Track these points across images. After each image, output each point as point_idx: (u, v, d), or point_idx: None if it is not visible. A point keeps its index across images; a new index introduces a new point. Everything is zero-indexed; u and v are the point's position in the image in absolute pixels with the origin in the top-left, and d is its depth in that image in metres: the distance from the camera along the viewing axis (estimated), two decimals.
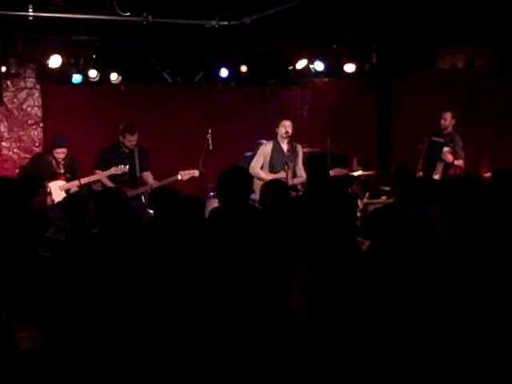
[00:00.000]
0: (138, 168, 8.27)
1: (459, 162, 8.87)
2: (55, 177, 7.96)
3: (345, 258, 4.81)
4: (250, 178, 4.76)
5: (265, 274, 3.74)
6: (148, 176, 8.33)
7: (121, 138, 8.22)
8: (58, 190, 7.84)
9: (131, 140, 8.18)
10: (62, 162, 8.09)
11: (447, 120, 8.85)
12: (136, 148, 8.30)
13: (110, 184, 8.03)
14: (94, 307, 3.73)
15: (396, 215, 5.25)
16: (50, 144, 8.66)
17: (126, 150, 8.23)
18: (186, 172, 8.18)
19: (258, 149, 9.43)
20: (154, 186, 7.99)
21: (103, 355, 3.62)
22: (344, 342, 2.68)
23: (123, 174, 8.15)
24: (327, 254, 2.93)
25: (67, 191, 7.87)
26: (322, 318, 2.58)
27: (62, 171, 8.07)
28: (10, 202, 4.88)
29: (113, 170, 8.06)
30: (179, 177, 8.15)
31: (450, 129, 8.89)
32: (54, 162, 8.08)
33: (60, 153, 8.06)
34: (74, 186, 7.94)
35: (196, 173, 8.23)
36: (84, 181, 7.99)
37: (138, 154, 8.30)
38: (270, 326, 3.46)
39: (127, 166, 8.14)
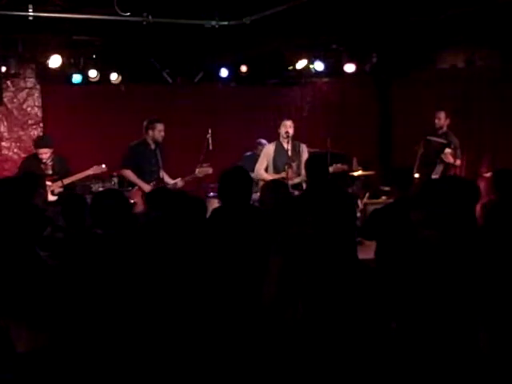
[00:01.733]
0: (161, 166, 8.27)
1: (458, 162, 8.90)
2: (45, 177, 7.91)
3: (340, 259, 4.83)
4: (250, 178, 4.77)
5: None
6: (165, 174, 8.33)
7: (150, 132, 8.09)
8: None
9: (161, 129, 8.11)
10: (50, 163, 7.99)
11: (441, 119, 8.88)
12: (157, 145, 8.28)
13: (137, 182, 8.00)
14: (92, 307, 3.73)
15: (396, 215, 5.25)
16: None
17: (153, 147, 8.20)
18: (202, 169, 8.18)
19: (257, 148, 9.50)
20: (178, 183, 8.07)
21: (102, 356, 3.62)
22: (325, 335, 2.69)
23: (152, 174, 8.14)
24: (319, 251, 2.93)
25: (52, 192, 7.87)
26: (288, 311, 2.60)
27: (50, 172, 7.96)
28: (11, 201, 4.89)
29: (91, 171, 8.09)
30: (197, 173, 8.16)
31: (445, 128, 8.91)
32: (41, 164, 7.96)
33: (42, 153, 7.94)
34: (56, 186, 7.87)
35: (210, 170, 8.22)
36: (67, 181, 7.92)
37: (160, 152, 8.30)
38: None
39: (104, 165, 8.16)
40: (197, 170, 8.18)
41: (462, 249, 2.95)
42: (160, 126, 8.11)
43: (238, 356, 3.37)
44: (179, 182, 8.14)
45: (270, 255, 2.97)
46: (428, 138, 8.95)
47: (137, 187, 8.00)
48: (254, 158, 9.28)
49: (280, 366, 2.58)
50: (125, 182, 8.68)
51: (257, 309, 3.37)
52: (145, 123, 8.17)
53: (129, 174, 8.07)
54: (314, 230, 4.04)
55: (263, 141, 9.43)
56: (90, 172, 8.11)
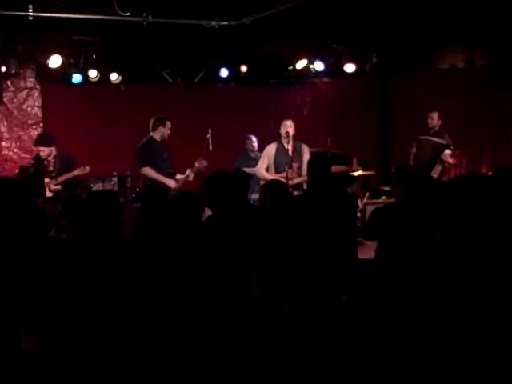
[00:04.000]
0: (171, 161, 8.29)
1: (455, 162, 8.96)
2: (44, 175, 8.05)
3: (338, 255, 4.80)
4: (232, 179, 4.62)
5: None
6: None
7: (161, 129, 8.11)
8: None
9: (170, 127, 8.18)
10: (53, 160, 8.15)
11: (434, 119, 8.93)
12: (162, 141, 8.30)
13: (160, 178, 8.01)
14: (93, 307, 3.73)
15: (397, 215, 5.25)
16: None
17: (159, 143, 8.22)
18: (200, 162, 8.13)
19: (245, 143, 9.58)
20: (190, 176, 8.08)
21: (103, 356, 3.62)
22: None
23: (166, 168, 8.15)
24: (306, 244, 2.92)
25: (49, 189, 7.99)
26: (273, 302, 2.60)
27: (51, 169, 8.13)
28: (14, 202, 4.89)
29: (76, 172, 8.09)
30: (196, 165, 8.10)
31: (437, 128, 8.96)
32: (43, 161, 8.19)
33: (40, 151, 8.15)
34: (52, 184, 8.01)
35: (205, 163, 8.16)
36: (61, 179, 8.03)
37: (165, 147, 8.33)
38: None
39: (88, 167, 8.16)
40: (196, 163, 8.15)
41: (484, 253, 2.92)
42: (169, 124, 8.22)
43: (233, 356, 3.37)
44: (190, 173, 8.11)
45: (256, 254, 2.95)
46: (421, 137, 8.98)
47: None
48: (247, 155, 9.36)
49: (272, 364, 2.58)
50: (146, 180, 8.62)
51: (249, 309, 3.36)
52: (153, 120, 8.17)
53: (149, 171, 8.06)
54: (307, 228, 4.02)
55: (252, 136, 9.58)
56: (75, 173, 8.12)
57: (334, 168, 8.03)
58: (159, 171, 8.03)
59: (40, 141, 8.31)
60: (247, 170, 8.44)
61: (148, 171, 8.07)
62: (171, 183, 7.93)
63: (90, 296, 3.77)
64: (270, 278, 2.60)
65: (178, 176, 8.26)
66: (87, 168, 8.21)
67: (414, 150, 8.97)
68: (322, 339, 2.60)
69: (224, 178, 4.55)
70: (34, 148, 8.53)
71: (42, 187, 6.45)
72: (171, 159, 8.29)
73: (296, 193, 7.31)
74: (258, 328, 2.67)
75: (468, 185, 3.13)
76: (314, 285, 2.60)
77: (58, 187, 7.99)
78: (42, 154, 8.12)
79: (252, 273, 2.72)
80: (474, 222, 2.98)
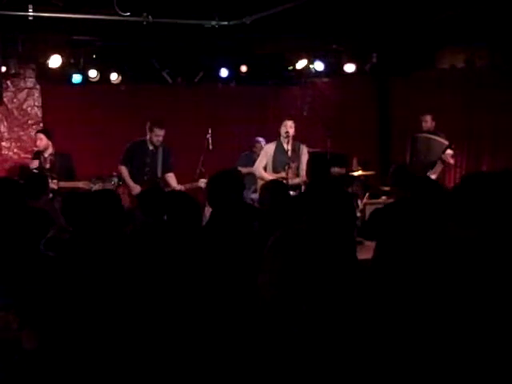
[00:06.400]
0: (159, 168, 8.21)
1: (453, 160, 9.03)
2: (43, 173, 8.07)
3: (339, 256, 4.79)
4: (239, 180, 4.67)
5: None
6: (171, 177, 8.24)
7: (149, 134, 8.17)
8: None
9: (159, 134, 8.10)
10: (50, 158, 8.22)
11: (428, 122, 9.01)
12: (161, 147, 8.25)
13: (128, 181, 8.03)
14: (93, 308, 3.73)
15: (396, 215, 5.24)
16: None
17: (151, 147, 8.19)
18: (204, 180, 7.93)
19: (255, 146, 9.53)
20: (177, 189, 7.88)
21: (103, 356, 3.62)
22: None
23: (144, 173, 8.13)
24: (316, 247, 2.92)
25: None
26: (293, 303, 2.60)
27: (48, 166, 8.19)
28: (15, 202, 4.88)
29: (81, 184, 8.04)
30: (201, 184, 8.00)
31: (432, 130, 9.01)
32: (42, 158, 8.28)
33: (38, 139, 8.29)
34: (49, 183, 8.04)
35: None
36: (63, 185, 7.92)
37: (163, 154, 8.25)
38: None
39: (92, 185, 8.04)
40: (200, 182, 8.03)
41: (501, 250, 2.90)
42: (158, 131, 8.10)
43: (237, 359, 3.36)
44: (177, 189, 7.98)
45: (267, 258, 2.94)
46: (417, 135, 9.01)
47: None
48: (252, 157, 9.30)
49: (282, 366, 2.58)
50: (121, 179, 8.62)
51: (256, 313, 3.36)
52: (148, 124, 8.19)
53: (123, 171, 8.13)
54: (309, 228, 4.01)
55: (260, 139, 9.48)
56: (80, 185, 8.03)
57: (334, 171, 8.05)
58: (134, 174, 8.03)
59: (43, 130, 8.49)
60: (244, 169, 8.39)
61: (122, 170, 8.13)
62: (135, 189, 7.91)
63: (90, 296, 3.77)
64: (284, 281, 2.60)
65: (172, 181, 8.20)
66: (92, 186, 8.01)
67: (409, 148, 9.01)
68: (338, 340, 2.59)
69: (229, 177, 4.62)
70: (33, 139, 8.71)
71: (46, 185, 6.52)
72: (161, 167, 8.22)
73: (294, 193, 7.31)
74: (268, 331, 2.66)
75: (484, 182, 3.11)
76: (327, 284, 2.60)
77: (55, 186, 7.96)
78: (38, 142, 8.23)
79: (261, 277, 2.71)
80: (497, 218, 2.96)
